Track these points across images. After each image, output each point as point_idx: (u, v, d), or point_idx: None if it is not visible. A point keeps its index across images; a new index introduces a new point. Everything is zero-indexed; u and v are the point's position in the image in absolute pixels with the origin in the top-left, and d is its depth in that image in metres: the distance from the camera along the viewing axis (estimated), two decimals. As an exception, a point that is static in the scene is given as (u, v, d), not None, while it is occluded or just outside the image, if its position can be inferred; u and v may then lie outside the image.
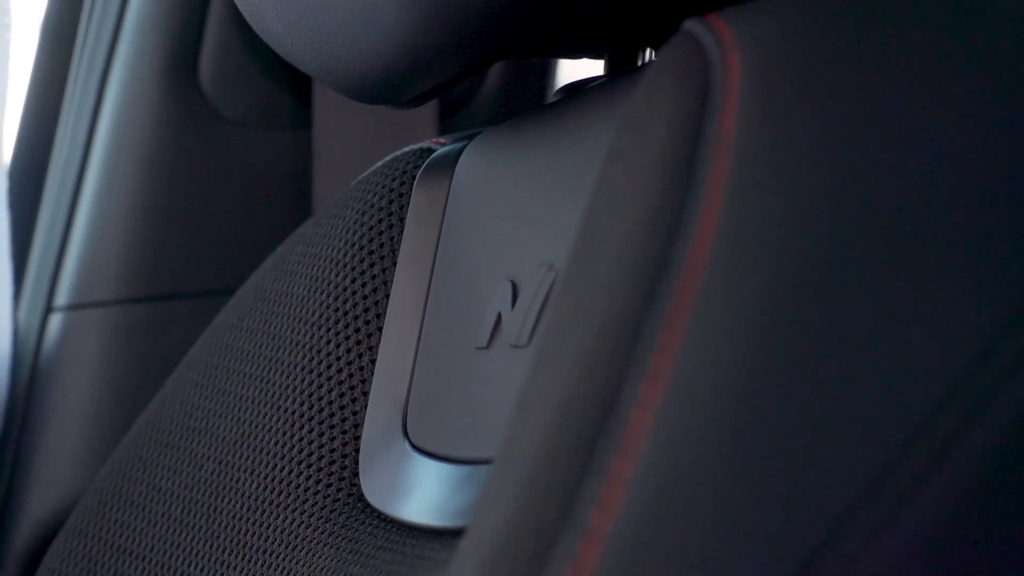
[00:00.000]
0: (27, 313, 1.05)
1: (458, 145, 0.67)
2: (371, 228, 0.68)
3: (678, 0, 0.56)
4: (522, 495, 0.38)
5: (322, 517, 0.64)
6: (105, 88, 1.04)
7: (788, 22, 0.40)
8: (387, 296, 0.66)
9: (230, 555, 0.65)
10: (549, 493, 0.37)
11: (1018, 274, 0.36)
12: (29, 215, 1.06)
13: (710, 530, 0.34)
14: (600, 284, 0.39)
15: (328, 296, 0.68)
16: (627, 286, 0.38)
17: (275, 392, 0.67)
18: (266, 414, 0.67)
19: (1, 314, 1.03)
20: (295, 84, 1.05)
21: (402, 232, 0.67)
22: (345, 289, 0.67)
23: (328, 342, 0.67)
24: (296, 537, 0.63)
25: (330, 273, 0.68)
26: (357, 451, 0.65)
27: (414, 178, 0.68)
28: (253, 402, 0.68)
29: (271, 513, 0.65)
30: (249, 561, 0.64)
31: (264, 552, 0.64)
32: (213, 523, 0.67)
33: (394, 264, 0.67)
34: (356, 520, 0.63)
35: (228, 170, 1.04)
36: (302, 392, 0.66)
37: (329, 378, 0.66)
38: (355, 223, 0.68)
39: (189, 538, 0.67)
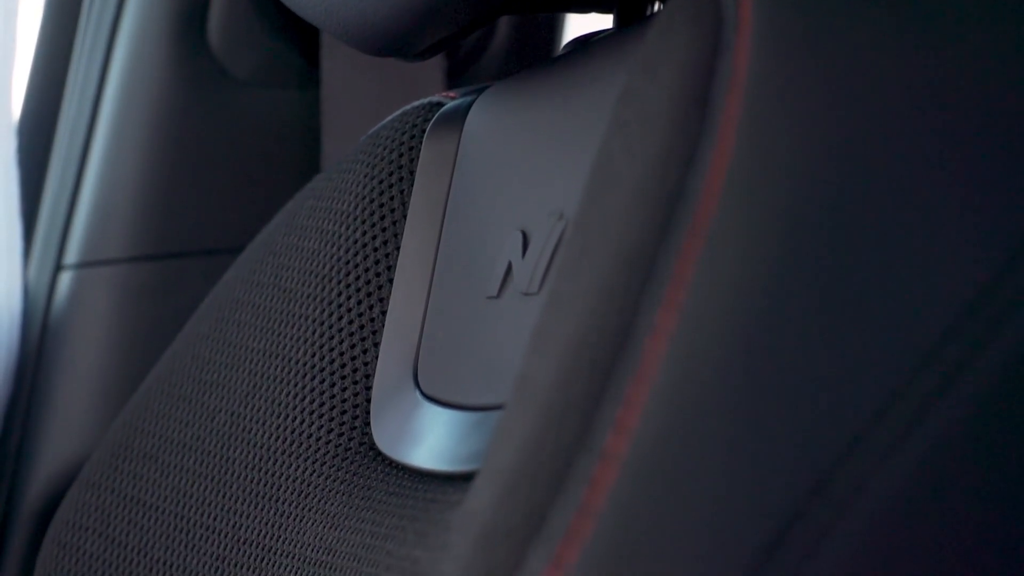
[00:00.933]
0: (37, 271, 1.05)
1: (468, 99, 0.68)
2: (381, 182, 0.68)
3: None
4: (539, 422, 0.38)
5: (334, 465, 0.64)
6: (113, 46, 1.04)
7: None
8: (397, 248, 0.67)
9: (243, 504, 0.66)
10: (565, 419, 0.38)
11: None
12: (38, 173, 1.06)
13: (722, 453, 0.35)
14: (614, 218, 0.40)
15: (338, 249, 0.68)
16: (641, 218, 0.39)
17: (286, 344, 0.68)
18: (277, 366, 0.68)
19: (11, 272, 1.03)
20: (303, 43, 1.06)
21: (412, 185, 0.67)
22: (355, 242, 0.68)
23: (339, 294, 0.67)
24: (308, 485, 0.64)
25: (340, 226, 0.68)
26: (368, 401, 0.65)
27: (424, 132, 0.68)
28: (264, 354, 0.69)
29: (283, 462, 0.65)
30: (262, 509, 0.65)
31: (276, 500, 0.65)
32: (226, 473, 0.67)
33: (404, 217, 0.67)
34: (368, 468, 0.63)
35: (236, 129, 1.04)
36: (313, 344, 0.67)
37: (340, 330, 0.67)
38: (365, 177, 0.69)
39: (202, 488, 0.68)
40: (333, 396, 0.66)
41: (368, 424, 0.65)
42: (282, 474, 0.65)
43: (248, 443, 0.67)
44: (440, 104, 0.69)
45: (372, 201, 0.68)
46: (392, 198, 0.68)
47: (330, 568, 0.60)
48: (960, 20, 0.39)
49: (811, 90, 0.37)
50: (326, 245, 0.69)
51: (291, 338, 0.68)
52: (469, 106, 0.67)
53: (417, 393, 0.63)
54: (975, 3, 0.39)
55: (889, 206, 0.36)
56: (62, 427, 1.01)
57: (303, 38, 1.05)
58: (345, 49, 1.04)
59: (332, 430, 0.65)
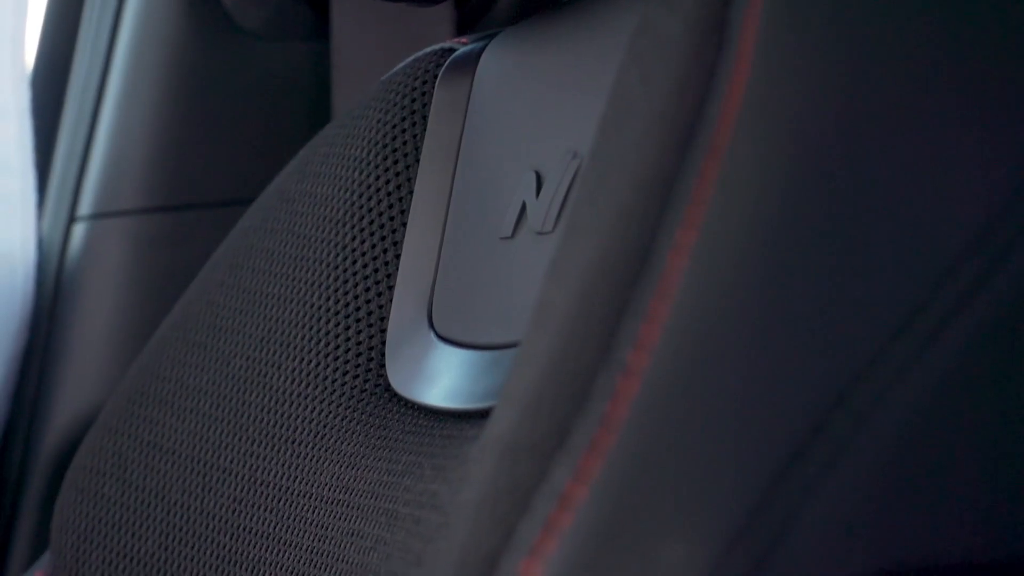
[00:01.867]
0: (50, 223, 1.06)
1: (480, 44, 0.68)
2: (394, 127, 0.68)
3: None
4: (560, 341, 0.39)
5: (350, 407, 0.65)
6: (125, -1, 1.04)
7: None
8: (411, 192, 0.67)
9: (259, 446, 0.66)
10: (587, 336, 0.38)
11: None
12: (51, 126, 1.07)
13: (742, 367, 0.35)
14: (631, 145, 0.40)
15: (352, 194, 0.68)
16: (659, 143, 0.39)
17: (300, 289, 0.68)
18: (292, 310, 0.68)
19: (25, 224, 1.04)
20: (313, -5, 1.06)
21: (424, 130, 0.68)
22: (369, 187, 0.68)
23: (353, 238, 0.68)
24: (324, 426, 0.65)
25: (353, 172, 0.69)
26: (383, 343, 0.66)
27: (436, 77, 0.68)
28: (279, 299, 0.69)
29: (299, 404, 0.66)
30: (278, 451, 0.65)
31: (293, 442, 0.65)
32: (242, 416, 0.68)
33: (417, 161, 0.68)
34: (383, 409, 0.64)
35: (248, 81, 1.05)
36: (327, 288, 0.67)
37: (354, 273, 0.67)
38: (377, 122, 0.69)
39: (218, 432, 0.68)
40: (348, 339, 0.66)
41: (383, 366, 0.65)
42: (298, 416, 0.66)
43: (264, 386, 0.67)
44: (452, 50, 0.69)
45: (385, 146, 0.68)
46: (405, 143, 0.68)
47: (347, 506, 0.61)
48: None
49: (825, 16, 0.38)
50: (339, 191, 0.69)
51: (306, 283, 0.68)
52: (481, 51, 0.67)
53: (432, 334, 0.64)
54: None
55: (904, 126, 0.37)
56: (77, 377, 1.01)
57: (313, -10, 1.06)
58: (355, 1, 1.05)
59: (347, 372, 0.65)
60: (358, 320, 0.66)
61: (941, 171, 0.37)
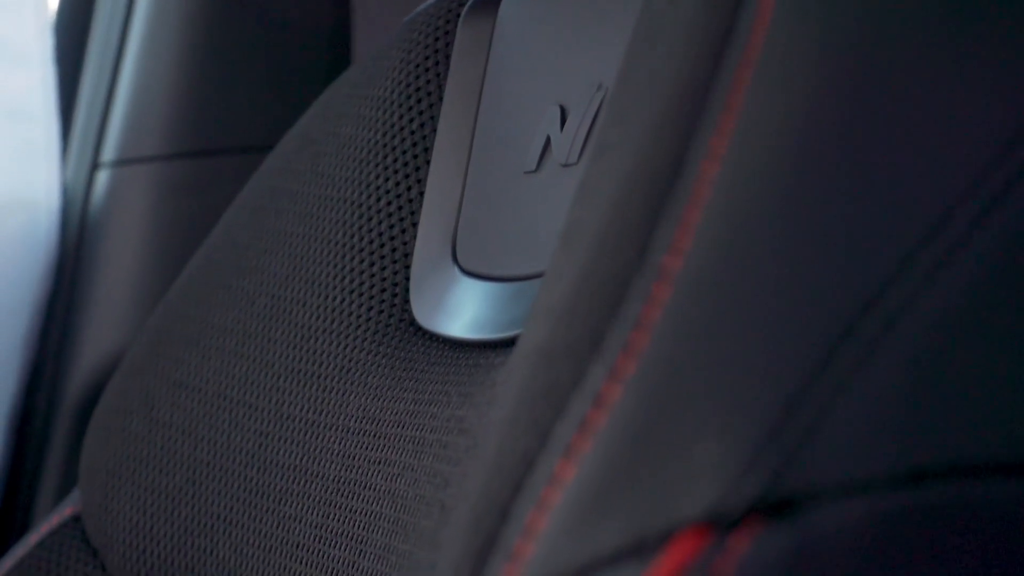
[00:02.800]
0: (74, 169, 1.06)
1: (502, -19, 0.68)
2: (417, 66, 0.69)
3: None
4: (593, 251, 0.39)
5: (375, 341, 0.65)
6: (147, -55, 1.04)
7: None
8: (434, 131, 0.68)
9: (285, 381, 0.67)
10: (622, 243, 0.39)
11: None
12: (75, 72, 1.07)
13: (773, 270, 0.36)
14: (664, 56, 0.41)
15: (375, 133, 0.69)
16: (693, 52, 0.40)
17: (325, 227, 0.69)
18: (316, 248, 0.68)
19: (50, 170, 1.04)
20: (334, -61, 1.06)
21: (448, 68, 0.68)
22: (392, 125, 0.68)
23: (377, 176, 0.68)
24: (350, 361, 0.65)
25: (377, 111, 0.69)
26: (407, 279, 0.66)
27: (459, 16, 0.69)
28: (303, 238, 0.69)
29: (324, 340, 0.66)
30: (304, 386, 0.66)
31: (319, 376, 0.66)
32: (267, 353, 0.68)
33: (440, 100, 0.68)
34: (408, 343, 0.64)
35: (269, 27, 1.05)
36: (352, 225, 0.68)
37: (378, 211, 0.67)
38: (401, 62, 0.69)
39: (244, 369, 0.69)
40: (373, 275, 0.67)
41: (407, 301, 0.66)
42: (323, 351, 0.66)
43: (289, 323, 0.68)
44: (475, -12, 0.69)
45: (408, 85, 0.69)
46: (428, 81, 0.68)
47: (374, 436, 0.61)
48: None
49: None
50: (363, 130, 0.69)
51: (329, 221, 0.68)
52: (504, -12, 0.67)
53: (456, 269, 0.64)
54: None
55: (942, 29, 0.37)
56: (101, 321, 1.02)
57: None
58: (376, -54, 1.05)
59: (372, 308, 0.66)
60: (382, 257, 0.67)
61: (977, 75, 0.37)
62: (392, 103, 0.69)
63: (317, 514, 0.62)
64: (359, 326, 0.66)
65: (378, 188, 0.68)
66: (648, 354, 0.36)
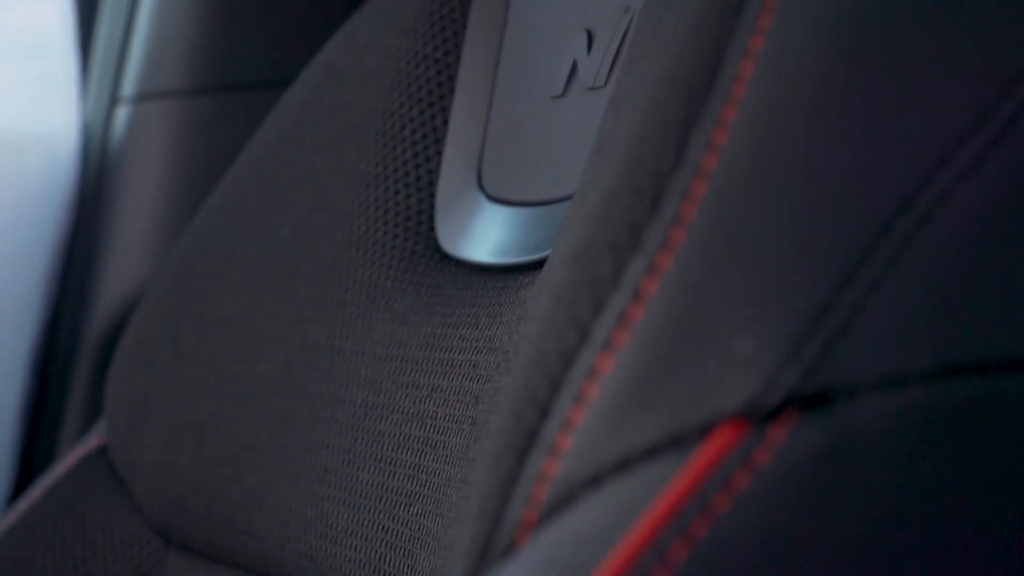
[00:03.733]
0: (93, 105, 1.06)
1: (529, -90, 0.68)
2: None
3: None
4: (632, 149, 0.39)
5: (401, 268, 0.65)
6: None
7: None
8: (459, 58, 0.67)
9: (310, 311, 0.67)
10: (660, 141, 0.39)
11: None
12: (92, 5, 1.07)
13: (808, 168, 0.36)
14: None
15: (399, 62, 0.68)
16: None
17: (349, 157, 0.68)
18: (341, 179, 0.68)
19: (68, 106, 1.04)
20: None
21: None
22: (416, 54, 0.68)
23: (401, 105, 0.68)
24: (375, 288, 0.65)
25: (400, 40, 0.69)
26: (432, 207, 0.66)
27: (483, -57, 0.68)
28: (326, 168, 0.69)
29: (349, 269, 0.66)
30: (329, 314, 0.66)
31: (344, 304, 0.65)
32: (292, 283, 0.68)
33: (465, 27, 0.68)
34: (435, 269, 0.64)
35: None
36: (376, 154, 0.68)
37: (403, 139, 0.67)
38: (424, -10, 0.69)
39: (268, 300, 0.69)
40: (398, 204, 0.66)
41: (432, 229, 0.65)
42: (348, 279, 0.66)
43: (313, 254, 0.68)
44: (499, -85, 0.69)
45: (432, 14, 0.68)
46: (452, 9, 0.68)
47: (401, 360, 0.61)
48: None
49: None
50: (387, 59, 0.69)
51: (353, 151, 0.68)
52: (529, -86, 0.67)
53: (481, 195, 0.64)
54: None
55: None
56: (122, 257, 1.02)
57: None
58: None
59: (398, 236, 0.66)
60: (407, 185, 0.66)
61: None
62: (416, 31, 0.68)
63: (345, 439, 0.62)
64: (384, 254, 0.65)
65: (402, 116, 0.67)
66: (686, 250, 0.37)
